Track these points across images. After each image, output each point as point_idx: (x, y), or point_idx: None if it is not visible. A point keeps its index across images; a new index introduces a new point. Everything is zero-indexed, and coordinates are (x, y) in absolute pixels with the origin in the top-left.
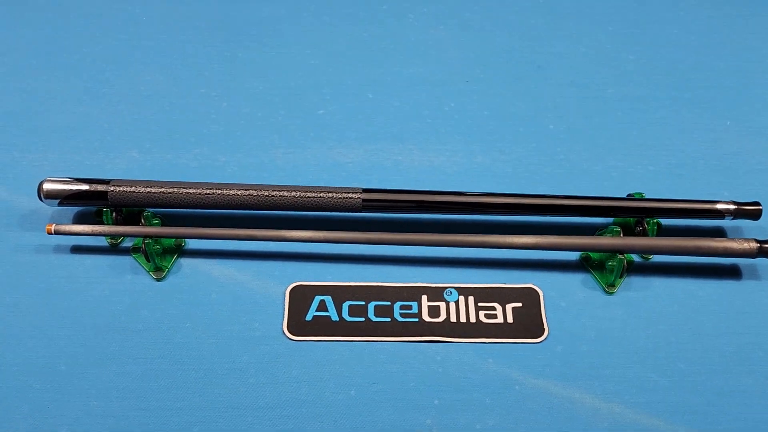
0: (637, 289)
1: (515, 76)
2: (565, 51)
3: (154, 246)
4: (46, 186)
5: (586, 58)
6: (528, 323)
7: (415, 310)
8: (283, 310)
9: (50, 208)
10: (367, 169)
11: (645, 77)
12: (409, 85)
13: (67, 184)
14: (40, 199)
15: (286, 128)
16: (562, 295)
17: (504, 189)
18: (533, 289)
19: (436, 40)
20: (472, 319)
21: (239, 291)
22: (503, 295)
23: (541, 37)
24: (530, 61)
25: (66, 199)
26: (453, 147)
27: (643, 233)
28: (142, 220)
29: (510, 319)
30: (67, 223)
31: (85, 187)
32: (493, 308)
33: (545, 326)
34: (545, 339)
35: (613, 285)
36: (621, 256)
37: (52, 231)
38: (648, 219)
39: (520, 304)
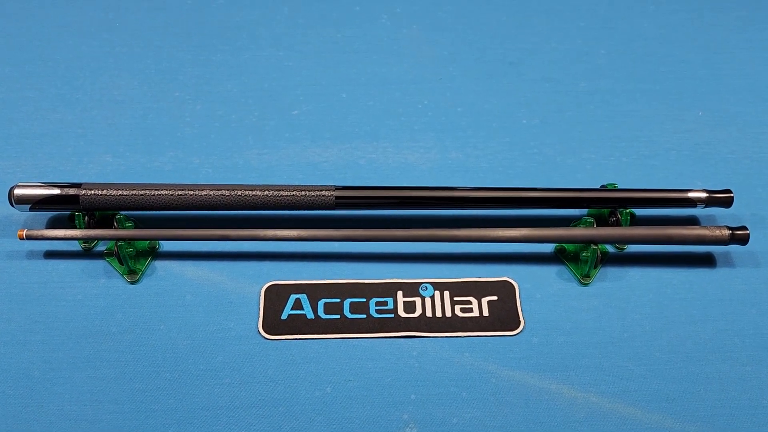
0: (612, 279)
1: (488, 73)
2: (536, 47)
3: (127, 249)
4: (17, 191)
5: (558, 54)
6: (504, 316)
7: (390, 306)
8: (259, 309)
9: (22, 214)
10: (342, 167)
11: (616, 71)
12: (383, 84)
13: (38, 188)
14: (12, 205)
15: (261, 129)
16: (538, 288)
17: (479, 184)
18: (509, 282)
19: (409, 39)
20: (448, 314)
21: (214, 292)
22: (479, 289)
23: (512, 34)
24: (502, 58)
25: (37, 203)
26: (427, 144)
27: (617, 223)
28: (115, 224)
29: (486, 313)
30: (39, 228)
31: (56, 191)
32: (469, 302)
33: (521, 319)
34: (521, 331)
35: (588, 276)
36: (595, 247)
37: (24, 236)
38: (621, 209)
39: (495, 298)
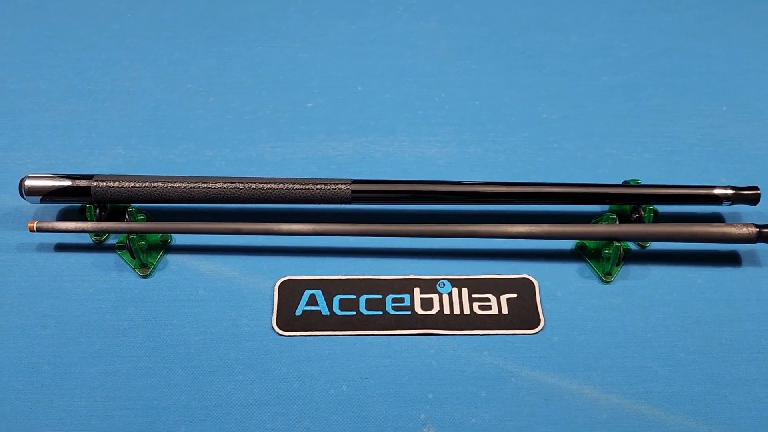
0: (634, 277)
1: (506, 65)
2: (556, 40)
3: (139, 242)
4: (28, 182)
5: (578, 47)
6: (523, 314)
7: (407, 302)
8: (272, 305)
9: (33, 206)
10: (358, 161)
11: (638, 65)
12: (399, 76)
13: (49, 180)
14: (22, 197)
15: (275, 122)
16: (558, 285)
17: (497, 179)
18: (528, 279)
19: (425, 31)
20: (466, 311)
21: (227, 286)
22: (498, 286)
23: (531, 26)
24: (521, 51)
25: (48, 195)
26: (444, 138)
27: (640, 220)
28: (127, 216)
29: (505, 311)
30: (50, 221)
31: (67, 182)
32: (488, 299)
33: (541, 317)
34: (541, 330)
35: (609, 274)
36: (617, 244)
37: (34, 228)
38: (644, 206)
39: (515, 295)
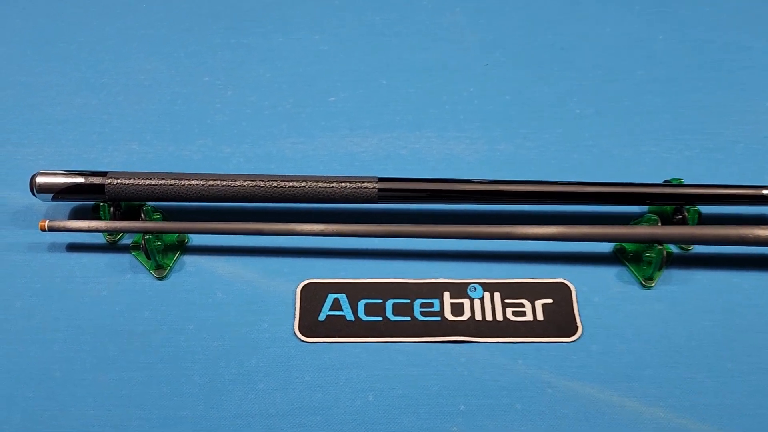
0: (676, 282)
1: (537, 59)
2: (589, 32)
3: (155, 242)
4: (39, 179)
5: (612, 39)
6: (560, 321)
7: (436, 307)
8: (294, 309)
9: (44, 204)
10: (383, 158)
11: (675, 58)
12: (425, 70)
13: (61, 176)
14: (33, 194)
15: (295, 117)
16: (596, 290)
17: (529, 178)
18: (564, 283)
19: (451, 22)
20: (499, 317)
21: (246, 290)
22: (532, 291)
23: (562, 18)
24: (552, 43)
25: (60, 193)
26: (473, 134)
27: (683, 222)
28: (142, 215)
29: (540, 317)
30: (62, 219)
31: (80, 179)
32: (522, 305)
33: (578, 324)
34: (579, 338)
35: (651, 278)
36: (660, 247)
37: (46, 227)
38: (688, 206)
39: (550, 301)
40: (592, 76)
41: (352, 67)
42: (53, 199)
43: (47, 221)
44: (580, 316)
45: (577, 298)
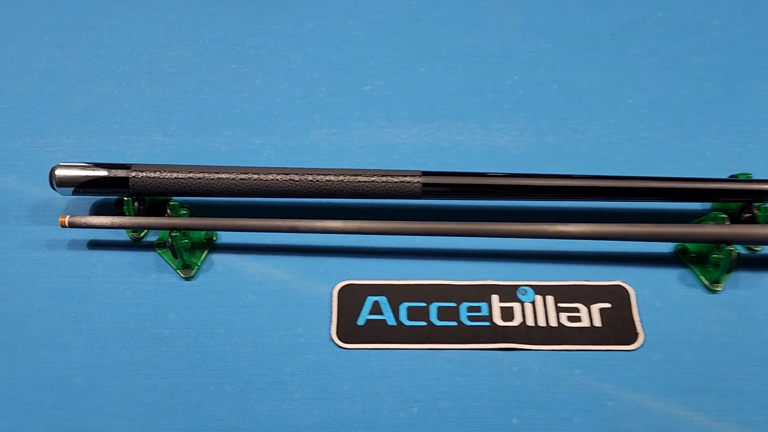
0: (745, 286)
1: (586, 45)
2: (641, 16)
3: (182, 240)
4: (59, 172)
5: (666, 25)
6: (618, 327)
7: (485, 312)
8: (331, 313)
9: (64, 198)
10: (423, 151)
11: (735, 44)
12: (466, 57)
13: (83, 169)
14: (53, 188)
15: (328, 107)
16: (657, 294)
17: (580, 172)
18: (622, 286)
19: (494, 6)
20: (553, 323)
21: (280, 291)
22: (587, 294)
23: (614, 1)
24: (602, 28)
25: (81, 186)
26: (519, 125)
27: (752, 220)
28: (168, 211)
29: (597, 323)
30: (83, 215)
31: (103, 172)
32: (577, 309)
33: (639, 330)
34: (640, 346)
35: (718, 282)
36: (729, 248)
37: (66, 223)
38: (758, 204)
39: (608, 305)
40: (645, 63)
41: (387, 53)
42: (74, 193)
43: (68, 217)
44: (641, 322)
45: (637, 303)
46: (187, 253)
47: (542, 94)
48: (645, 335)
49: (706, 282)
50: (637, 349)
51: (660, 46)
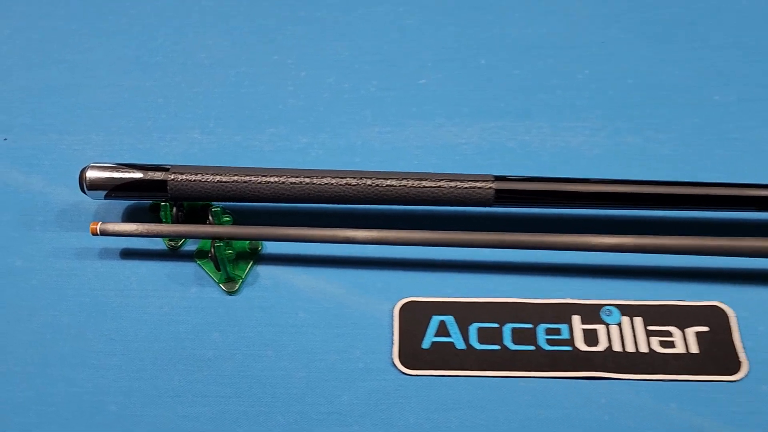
0: None
1: (663, 35)
2: (725, 3)
3: (225, 250)
4: (90, 174)
5: (752, 12)
6: (718, 354)
7: (565, 335)
8: (392, 334)
9: (95, 202)
10: (487, 152)
11: None
12: (531, 48)
13: (116, 171)
14: (83, 191)
15: (381, 102)
16: (761, 317)
17: (664, 177)
18: (719, 307)
19: None
20: (643, 348)
21: (333, 308)
22: (681, 316)
23: None
24: (680, 16)
25: (114, 190)
26: (593, 124)
27: None
28: (210, 218)
29: (694, 349)
30: (116, 221)
31: (138, 174)
32: (669, 333)
33: (742, 359)
34: (745, 376)
35: None
36: None
37: (98, 231)
38: None
39: (705, 329)
40: (729, 55)
41: (444, 44)
42: (106, 197)
43: (99, 224)
44: (744, 348)
45: (738, 326)
46: (231, 264)
47: (617, 90)
48: (750, 364)
49: None
50: (741, 379)
51: (746, 37)
